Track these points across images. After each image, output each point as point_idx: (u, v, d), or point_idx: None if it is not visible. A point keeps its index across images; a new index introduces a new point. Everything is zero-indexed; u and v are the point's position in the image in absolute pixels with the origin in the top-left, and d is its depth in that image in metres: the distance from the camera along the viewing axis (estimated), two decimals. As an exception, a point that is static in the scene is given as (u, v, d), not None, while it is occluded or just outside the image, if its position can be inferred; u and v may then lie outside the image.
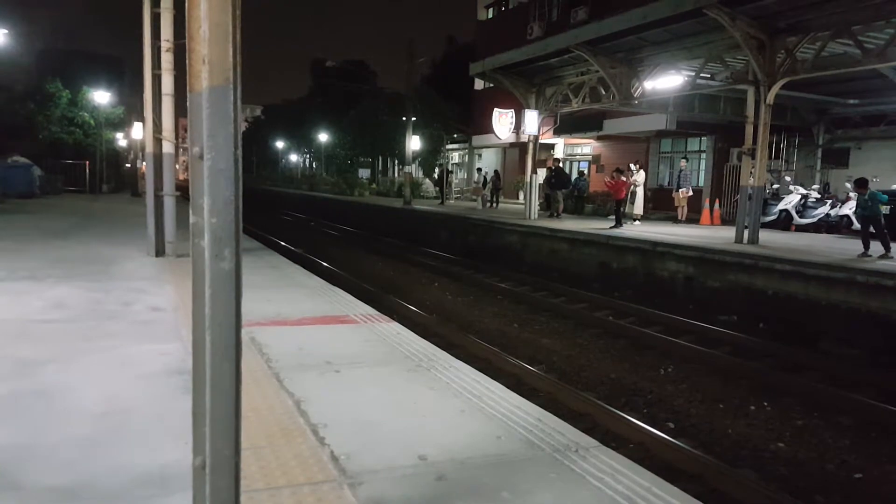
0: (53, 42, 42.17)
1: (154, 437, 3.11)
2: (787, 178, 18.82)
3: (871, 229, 10.55)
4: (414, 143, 28.39)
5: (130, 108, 36.48)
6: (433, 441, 3.13)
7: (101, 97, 33.60)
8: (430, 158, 38.68)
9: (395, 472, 2.80)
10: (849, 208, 14.92)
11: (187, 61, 1.56)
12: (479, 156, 37.15)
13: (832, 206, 16.04)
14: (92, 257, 9.26)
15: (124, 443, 3.04)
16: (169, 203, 9.55)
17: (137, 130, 26.95)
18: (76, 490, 2.59)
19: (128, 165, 42.91)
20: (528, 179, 19.10)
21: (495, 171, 26.21)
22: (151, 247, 9.46)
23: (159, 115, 9.27)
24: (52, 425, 3.24)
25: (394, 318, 6.28)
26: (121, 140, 40.09)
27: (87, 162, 33.42)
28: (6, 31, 22.15)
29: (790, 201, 16.71)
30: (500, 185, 26.14)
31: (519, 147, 28.54)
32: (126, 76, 42.79)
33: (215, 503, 1.62)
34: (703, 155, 23.94)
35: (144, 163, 10.77)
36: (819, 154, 20.69)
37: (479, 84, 33.18)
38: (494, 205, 25.00)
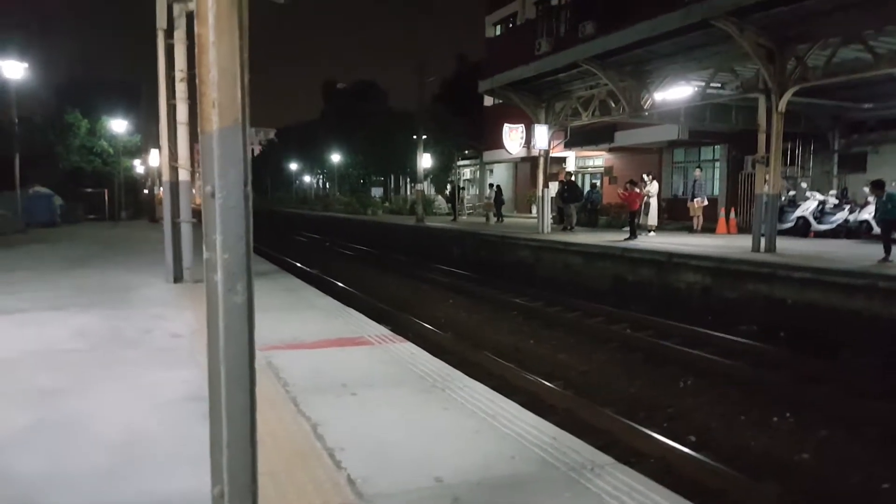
0: (71, 72, 43.14)
1: (174, 464, 3.16)
2: (804, 185, 18.67)
3: (893, 234, 10.43)
4: (425, 161, 28.58)
5: (147, 136, 37.17)
6: (448, 462, 3.15)
7: (119, 126, 34.25)
8: (441, 175, 38.89)
9: (410, 494, 2.82)
10: (868, 213, 14.76)
11: (198, 104, 1.63)
12: (491, 171, 37.27)
13: (850, 212, 15.88)
14: (112, 285, 9.41)
15: (145, 471, 3.09)
16: (186, 230, 9.68)
17: (154, 157, 27.43)
18: (99, 519, 2.64)
19: (146, 192, 43.60)
20: (540, 193, 19.13)
21: (497, 187, 26.27)
22: (170, 273, 9.59)
23: (175, 143, 9.43)
24: (74, 454, 3.30)
25: (408, 337, 6.32)
26: (138, 167, 40.78)
27: (106, 190, 34.00)
28: (26, 66, 22.66)
29: (807, 208, 16.57)
30: (502, 200, 26.24)
31: (530, 161, 28.60)
32: (142, 102, 43.61)
33: (234, 531, 1.66)
34: (718, 164, 23.83)
35: (161, 189, 10.94)
36: (835, 160, 20.53)
37: (488, 101, 33.37)
38: (499, 220, 25.04)
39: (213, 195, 1.59)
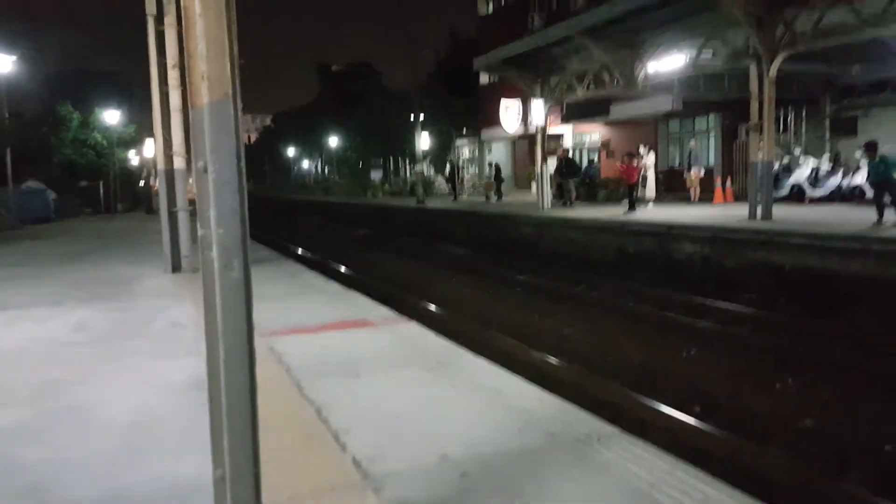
0: (62, 65, 42.69)
1: (179, 449, 3.16)
2: (797, 151, 18.62)
3: (885, 196, 10.40)
4: (423, 141, 28.44)
5: (141, 126, 36.87)
6: (455, 439, 3.14)
7: (112, 117, 33.98)
8: (440, 155, 38.74)
9: (417, 472, 2.82)
10: (860, 178, 14.75)
11: (187, 78, 1.59)
12: (489, 149, 37.12)
13: (844, 176, 15.85)
14: (110, 277, 9.38)
15: (150, 456, 3.09)
16: (183, 218, 9.63)
17: (149, 148, 27.26)
18: (106, 501, 2.64)
19: (141, 183, 43.41)
20: (539, 169, 19.06)
21: (496, 165, 26.20)
22: (168, 263, 9.56)
23: (169, 131, 9.35)
24: (79, 442, 3.30)
25: (413, 318, 6.30)
26: (133, 158, 40.54)
27: (102, 182, 33.84)
28: (14, 59, 22.42)
29: (801, 175, 16.54)
30: (502, 178, 26.22)
31: (528, 138, 28.46)
32: (136, 93, 43.21)
33: (238, 513, 1.65)
34: (712, 133, 23.73)
35: (157, 180, 10.88)
36: (827, 124, 20.48)
37: (484, 78, 33.14)
38: (499, 198, 25.00)
39: (205, 170, 1.56)
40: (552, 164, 19.80)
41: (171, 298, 7.49)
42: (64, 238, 17.42)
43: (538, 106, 18.59)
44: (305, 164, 72.70)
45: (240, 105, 1.61)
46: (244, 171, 1.59)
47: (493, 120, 30.07)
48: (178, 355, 4.91)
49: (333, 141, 51.57)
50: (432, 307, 10.21)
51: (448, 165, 35.35)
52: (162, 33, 8.97)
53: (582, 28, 14.98)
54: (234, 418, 1.61)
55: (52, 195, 27.56)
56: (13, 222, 22.15)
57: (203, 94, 1.56)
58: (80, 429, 3.50)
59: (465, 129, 38.48)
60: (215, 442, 1.63)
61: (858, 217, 11.58)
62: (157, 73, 9.19)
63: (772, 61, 12.13)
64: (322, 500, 2.59)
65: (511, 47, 18.04)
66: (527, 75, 18.78)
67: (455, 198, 28.26)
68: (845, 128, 19.94)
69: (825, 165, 16.62)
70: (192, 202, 9.93)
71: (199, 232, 1.60)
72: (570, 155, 21.36)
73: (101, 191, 33.66)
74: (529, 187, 29.56)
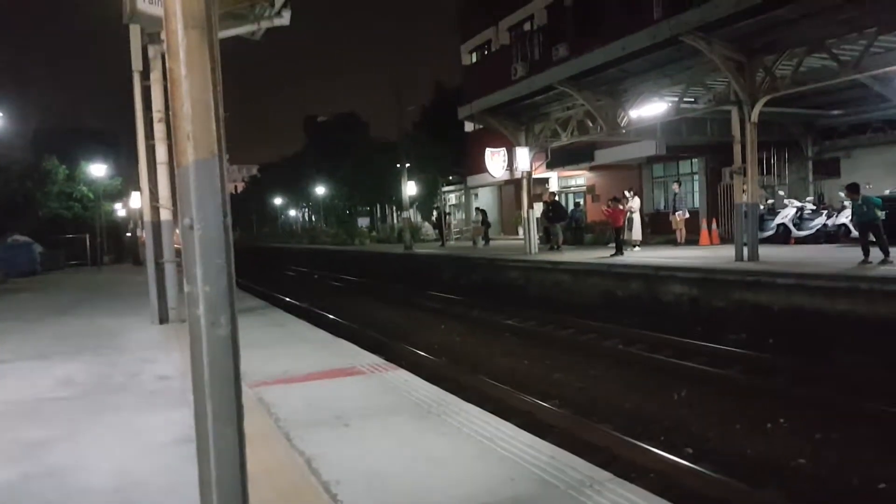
0: (48, 121, 43.06)
1: (166, 508, 3.09)
2: (781, 193, 18.95)
3: (871, 236, 10.55)
4: (410, 188, 28.69)
5: (128, 179, 36.97)
6: (447, 490, 3.10)
7: (98, 170, 34.06)
8: (427, 202, 39.04)
9: (409, 524, 2.77)
10: (845, 217, 14.98)
11: (173, 138, 1.63)
12: (476, 195, 37.46)
13: (828, 217, 16.10)
14: (97, 331, 9.28)
15: (136, 516, 3.02)
16: (169, 270, 9.61)
17: (136, 200, 27.24)
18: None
19: (128, 235, 43.27)
20: (525, 215, 19.24)
21: (482, 211, 26.45)
22: (155, 315, 9.49)
23: (155, 183, 9.41)
24: (63, 505, 3.21)
25: (402, 365, 6.26)
26: (120, 210, 40.49)
27: (87, 235, 33.67)
28: (1, 115, 22.58)
29: (786, 215, 16.78)
30: (489, 223, 26.49)
31: (514, 184, 28.79)
32: (122, 148, 43.53)
33: (228, 571, 1.62)
34: (696, 176, 24.13)
35: (144, 231, 10.88)
36: (810, 166, 20.89)
37: (469, 126, 33.66)
38: (486, 243, 25.14)
39: (191, 227, 1.58)
40: (538, 208, 20.00)
41: (158, 350, 7.41)
42: (50, 291, 17.24)
43: (523, 153, 18.88)
44: (292, 212, 72.98)
45: (226, 163, 1.64)
46: (230, 227, 1.62)
47: (479, 166, 30.44)
48: (166, 408, 4.84)
49: (320, 190, 51.91)
50: (421, 353, 10.15)
51: (435, 212, 35.60)
52: (148, 88, 9.12)
53: (564, 77, 15.35)
54: (223, 473, 1.59)
55: (38, 248, 27.37)
56: (-2, 276, 21.93)
57: (189, 153, 1.59)
58: (62, 491, 3.41)
59: (451, 176, 38.89)
60: (204, 497, 1.62)
61: (844, 256, 11.73)
62: (142, 126, 9.30)
63: (753, 106, 12.44)
64: (311, 557, 2.53)
65: (495, 97, 18.42)
66: (511, 123, 19.13)
67: (443, 243, 28.37)
68: (828, 169, 20.34)
69: (809, 206, 16.90)
70: (178, 253, 9.94)
71: (186, 288, 1.61)
72: (557, 199, 21.59)
73: (88, 243, 33.48)
74: (516, 232, 29.76)
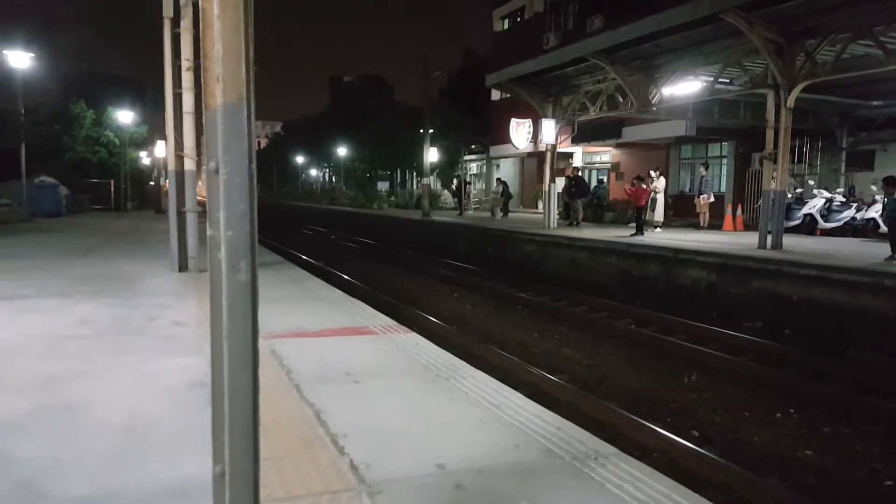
0: (77, 65, 43.07)
1: (177, 449, 3.16)
2: (811, 182, 18.57)
3: None
4: (431, 156, 28.53)
5: (153, 128, 37.18)
6: (452, 450, 3.14)
7: (125, 117, 34.28)
8: (448, 170, 38.86)
9: (413, 480, 2.82)
10: (875, 211, 14.67)
11: (202, 79, 1.61)
12: (498, 166, 37.22)
13: (858, 210, 15.78)
14: (117, 274, 9.43)
15: (148, 455, 3.09)
16: (191, 219, 9.70)
17: (160, 149, 27.44)
18: (101, 501, 2.64)
19: (151, 183, 43.69)
20: (547, 189, 19.08)
21: (503, 182, 26.22)
22: (175, 262, 9.61)
23: (181, 133, 9.44)
24: (78, 438, 3.30)
25: (413, 329, 6.30)
26: (144, 158, 40.84)
27: (112, 181, 34.07)
28: (32, 56, 22.68)
29: (814, 205, 16.48)
30: (509, 194, 26.29)
31: (537, 157, 28.56)
32: (148, 96, 43.65)
33: (235, 511, 1.65)
34: (725, 160, 23.73)
35: (167, 180, 10.97)
36: (843, 157, 20.41)
37: (496, 95, 33.30)
38: (504, 214, 24.99)
39: (216, 171, 1.57)
40: (560, 183, 19.80)
41: (175, 297, 7.52)
42: (74, 233, 17.53)
43: (549, 125, 18.64)
44: (313, 172, 73.05)
45: (253, 108, 1.63)
46: (255, 174, 1.61)
47: (503, 137, 30.16)
48: (180, 354, 4.92)
49: (342, 151, 51.83)
50: (432, 318, 10.21)
51: (455, 181, 35.43)
52: (178, 36, 9.08)
53: (598, 49, 15.04)
54: (235, 416, 1.61)
55: (64, 191, 27.76)
56: (24, 216, 22.32)
57: (217, 96, 1.58)
58: (77, 425, 3.50)
59: (473, 145, 38.61)
60: (216, 438, 1.64)
61: (871, 251, 11.51)
62: (171, 74, 9.29)
63: (790, 91, 12.12)
64: (319, 503, 2.58)
65: (525, 65, 18.12)
66: (539, 94, 18.85)
67: (461, 212, 28.30)
68: (862, 161, 19.86)
69: (839, 198, 16.56)
70: (201, 204, 10.02)
71: (209, 232, 1.61)
72: (580, 174, 21.35)
73: (112, 189, 33.88)
74: (536, 206, 29.59)
